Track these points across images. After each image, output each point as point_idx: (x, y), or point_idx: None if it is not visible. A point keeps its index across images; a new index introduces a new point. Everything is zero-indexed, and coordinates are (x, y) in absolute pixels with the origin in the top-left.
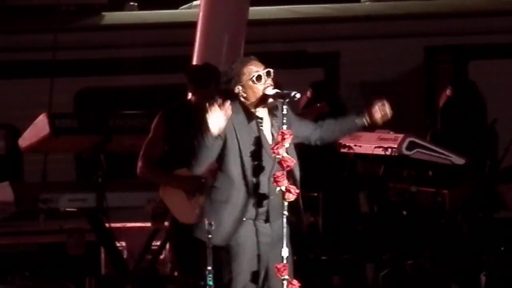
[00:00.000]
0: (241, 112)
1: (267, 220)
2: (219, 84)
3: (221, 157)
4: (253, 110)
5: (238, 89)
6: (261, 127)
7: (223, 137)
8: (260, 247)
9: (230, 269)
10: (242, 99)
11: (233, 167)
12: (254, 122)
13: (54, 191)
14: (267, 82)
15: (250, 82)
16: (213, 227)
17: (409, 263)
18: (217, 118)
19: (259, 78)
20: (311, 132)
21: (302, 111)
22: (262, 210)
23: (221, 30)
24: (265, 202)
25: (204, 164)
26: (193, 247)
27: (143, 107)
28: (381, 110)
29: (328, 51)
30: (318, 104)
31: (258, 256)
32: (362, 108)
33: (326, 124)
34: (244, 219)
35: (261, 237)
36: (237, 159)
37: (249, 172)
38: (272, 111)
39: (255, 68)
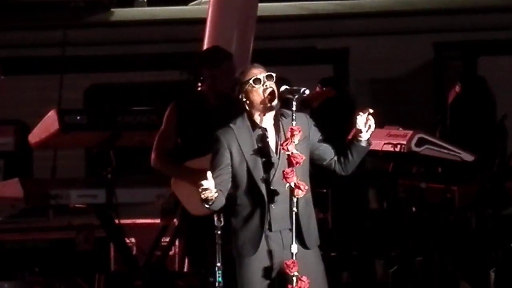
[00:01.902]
0: (246, 122)
1: (270, 229)
2: (232, 64)
3: (233, 177)
4: (259, 118)
5: (242, 96)
6: (266, 136)
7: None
8: (273, 256)
9: (238, 276)
10: (247, 107)
11: (245, 180)
12: (258, 131)
13: (64, 187)
14: (266, 84)
15: (249, 87)
16: (222, 223)
17: (418, 260)
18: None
19: (257, 81)
20: (329, 158)
21: (307, 96)
22: (266, 219)
23: (230, 26)
24: (269, 210)
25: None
26: (204, 241)
27: (152, 103)
28: (363, 123)
29: (337, 47)
30: (324, 88)
31: (271, 262)
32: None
33: (342, 157)
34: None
35: (273, 245)
36: (244, 171)
37: (258, 180)
38: (277, 121)
39: (254, 72)
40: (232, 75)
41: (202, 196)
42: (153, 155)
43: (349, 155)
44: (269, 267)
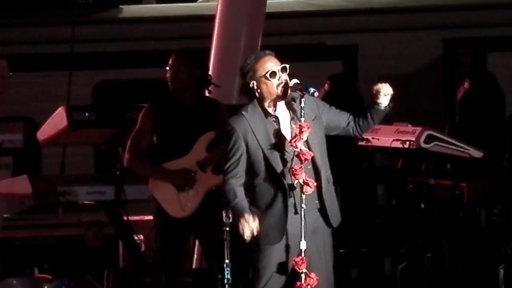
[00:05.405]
0: (257, 109)
1: (296, 212)
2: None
3: (250, 166)
4: (269, 106)
5: (253, 84)
6: (276, 122)
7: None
8: (289, 238)
9: (256, 259)
10: (257, 95)
11: (263, 168)
12: (270, 118)
13: (72, 184)
14: (281, 78)
15: (264, 78)
16: (230, 220)
17: (427, 256)
18: (249, 229)
19: (273, 74)
20: (346, 122)
21: None
22: (290, 202)
23: (239, 23)
24: (292, 193)
25: None
26: (180, 239)
27: None
28: (380, 91)
29: (346, 43)
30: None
31: (287, 246)
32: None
33: (359, 118)
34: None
35: (291, 228)
36: (261, 159)
37: (276, 167)
38: (290, 105)
39: (270, 64)
40: (185, 68)
41: (245, 234)
42: (127, 156)
43: (369, 119)
44: (287, 250)
